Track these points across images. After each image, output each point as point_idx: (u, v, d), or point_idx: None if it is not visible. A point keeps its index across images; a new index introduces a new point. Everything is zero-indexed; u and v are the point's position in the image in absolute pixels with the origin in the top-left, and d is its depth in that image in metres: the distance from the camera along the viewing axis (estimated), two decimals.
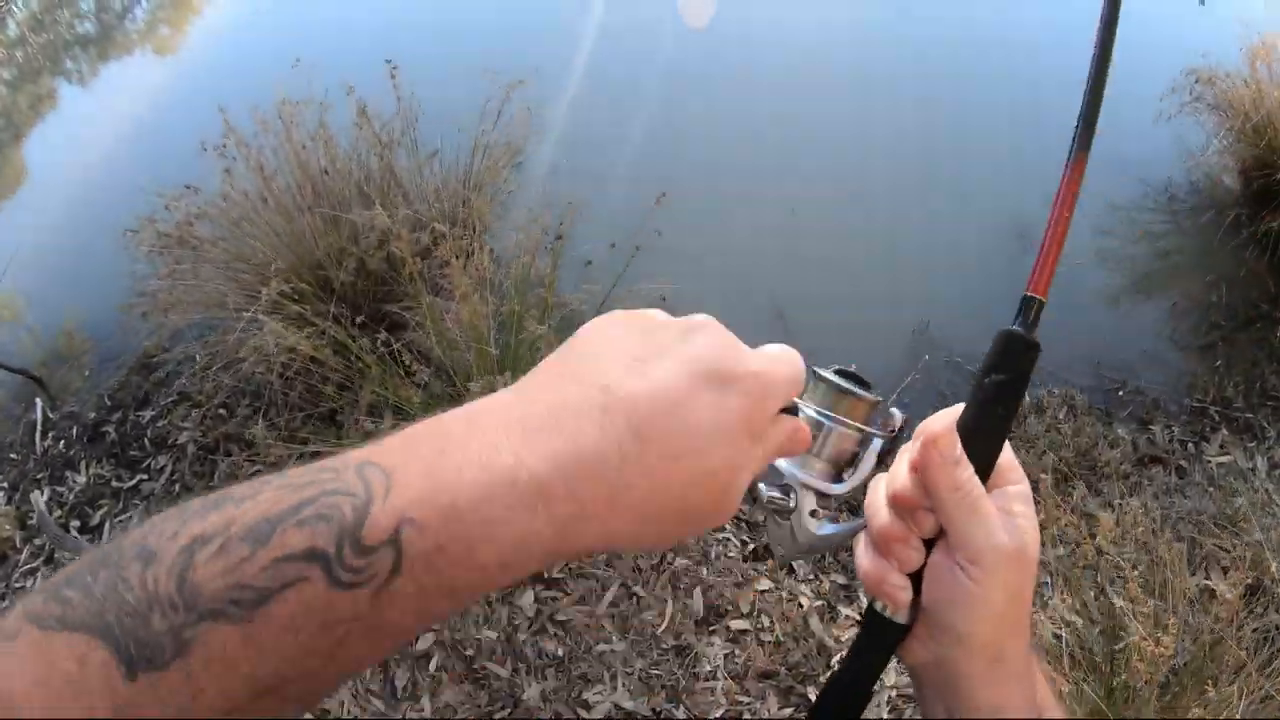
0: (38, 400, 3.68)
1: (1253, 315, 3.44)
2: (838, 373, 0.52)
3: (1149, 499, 2.57)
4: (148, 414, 3.29)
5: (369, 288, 2.24)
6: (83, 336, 4.07)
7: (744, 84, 4.66)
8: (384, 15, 5.92)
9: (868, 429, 0.52)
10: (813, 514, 0.51)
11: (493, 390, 0.42)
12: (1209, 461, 2.89)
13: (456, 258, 1.82)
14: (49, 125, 6.77)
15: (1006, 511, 0.48)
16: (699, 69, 4.81)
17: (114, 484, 3.21)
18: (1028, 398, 2.94)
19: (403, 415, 1.95)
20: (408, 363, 1.94)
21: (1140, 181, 3.97)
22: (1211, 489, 2.71)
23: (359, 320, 2.11)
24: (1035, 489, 2.32)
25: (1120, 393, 3.16)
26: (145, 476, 3.18)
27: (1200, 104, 3.90)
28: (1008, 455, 0.50)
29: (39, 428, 3.59)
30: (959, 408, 0.50)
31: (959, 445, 0.47)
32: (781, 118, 4.38)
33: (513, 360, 1.88)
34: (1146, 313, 3.62)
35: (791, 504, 0.51)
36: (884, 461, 0.52)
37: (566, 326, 2.13)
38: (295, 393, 2.32)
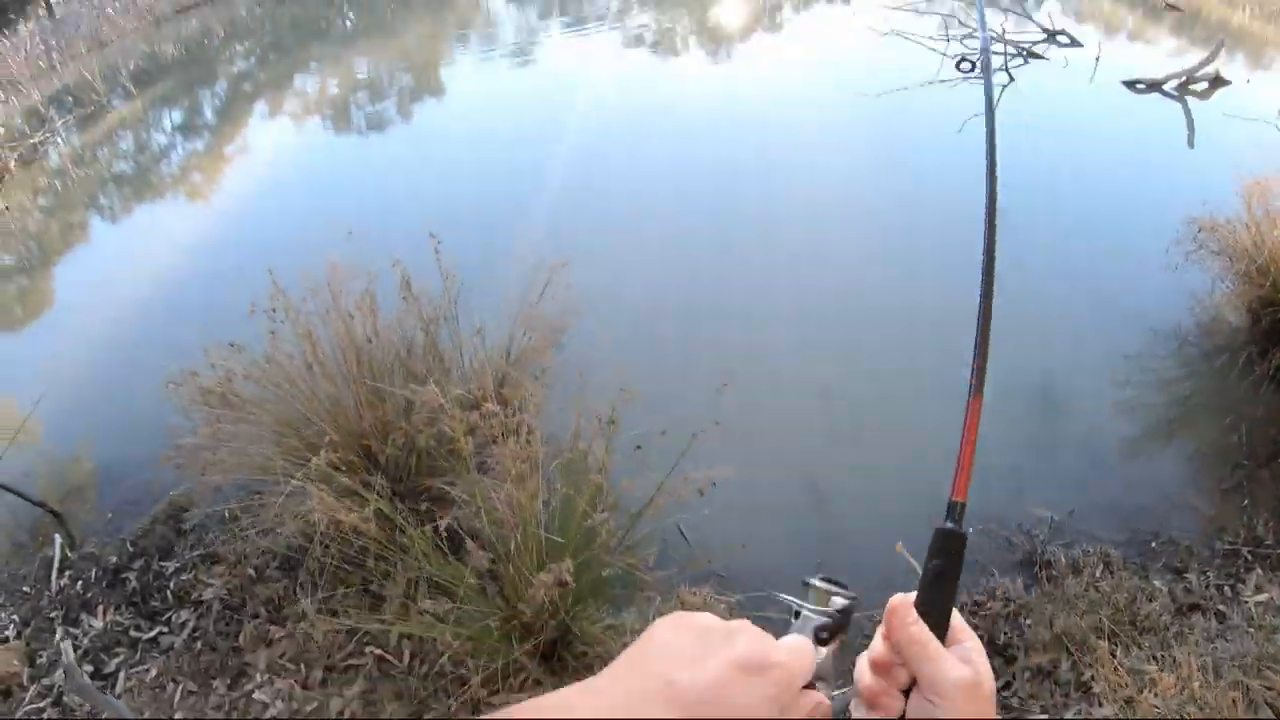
0: (56, 537, 3.65)
1: (1275, 451, 3.44)
2: (823, 579, 0.66)
3: (1192, 647, 2.51)
4: (172, 565, 3.25)
5: (414, 461, 2.27)
6: (107, 477, 4.08)
7: (775, 262, 4.80)
8: (427, 186, 6.26)
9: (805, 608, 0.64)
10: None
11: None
12: (1246, 602, 2.84)
13: (504, 436, 1.85)
14: (81, 256, 6.98)
15: (964, 659, 0.60)
16: (731, 254, 4.92)
17: (132, 633, 3.15)
18: (1063, 558, 2.93)
19: (443, 591, 1.94)
20: (453, 541, 1.94)
21: (1151, 330, 4.05)
22: (1252, 629, 2.66)
23: (401, 490, 2.12)
24: (1085, 649, 2.27)
25: (1153, 544, 3.13)
26: (165, 629, 3.11)
27: (1204, 251, 4.03)
28: (958, 619, 0.63)
29: (56, 565, 3.55)
30: (913, 593, 0.63)
31: (914, 611, 0.61)
32: (815, 296, 4.51)
33: (571, 546, 1.88)
34: (1169, 460, 3.61)
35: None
36: (826, 638, 0.63)
37: (617, 510, 2.14)
38: (331, 559, 2.31)
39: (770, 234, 5.05)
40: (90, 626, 3.23)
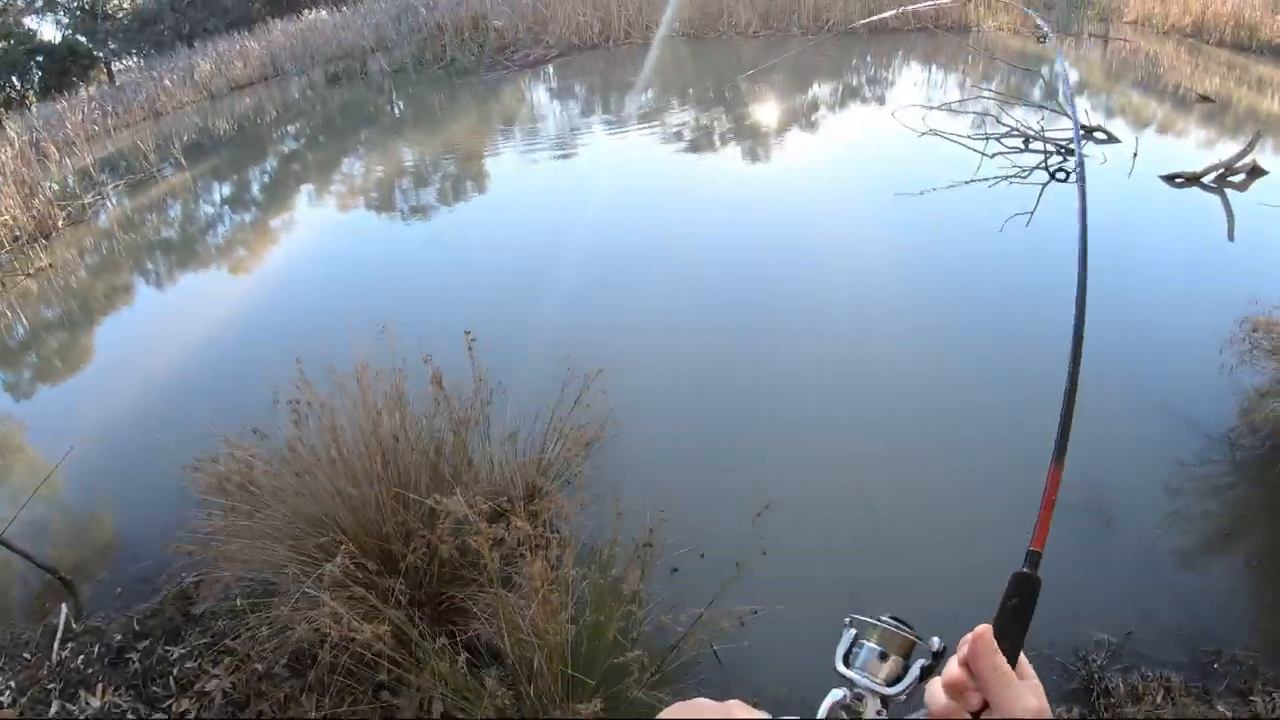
0: (63, 606, 3.57)
1: None
2: (893, 618, 0.76)
3: None
4: (177, 651, 3.13)
5: (436, 567, 2.16)
6: (121, 547, 4.01)
7: (817, 365, 4.68)
8: (464, 275, 6.35)
9: (915, 646, 0.75)
10: (877, 713, 0.73)
11: None
12: None
13: (532, 551, 1.74)
14: (119, 320, 7.07)
15: (1034, 692, 0.66)
16: (771, 357, 4.78)
17: (129, 716, 3.02)
18: (1121, 684, 2.73)
19: (460, 709, 1.81)
20: (472, 650, 1.81)
21: (1205, 435, 3.89)
22: None
23: (419, 597, 2.00)
24: None
25: (1215, 665, 2.92)
26: (164, 717, 2.99)
27: (1259, 351, 3.90)
28: (1023, 659, 0.69)
29: (59, 635, 3.46)
30: (981, 625, 0.68)
31: (994, 642, 0.66)
32: (858, 400, 4.33)
33: (602, 683, 1.74)
34: (1228, 572, 3.41)
35: (863, 710, 0.73)
36: (927, 675, 0.73)
37: (649, 643, 2.01)
38: (344, 663, 2.18)
39: (810, 336, 4.95)
40: (87, 704, 3.11)
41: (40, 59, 24.42)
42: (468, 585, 2.07)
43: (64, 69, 24.65)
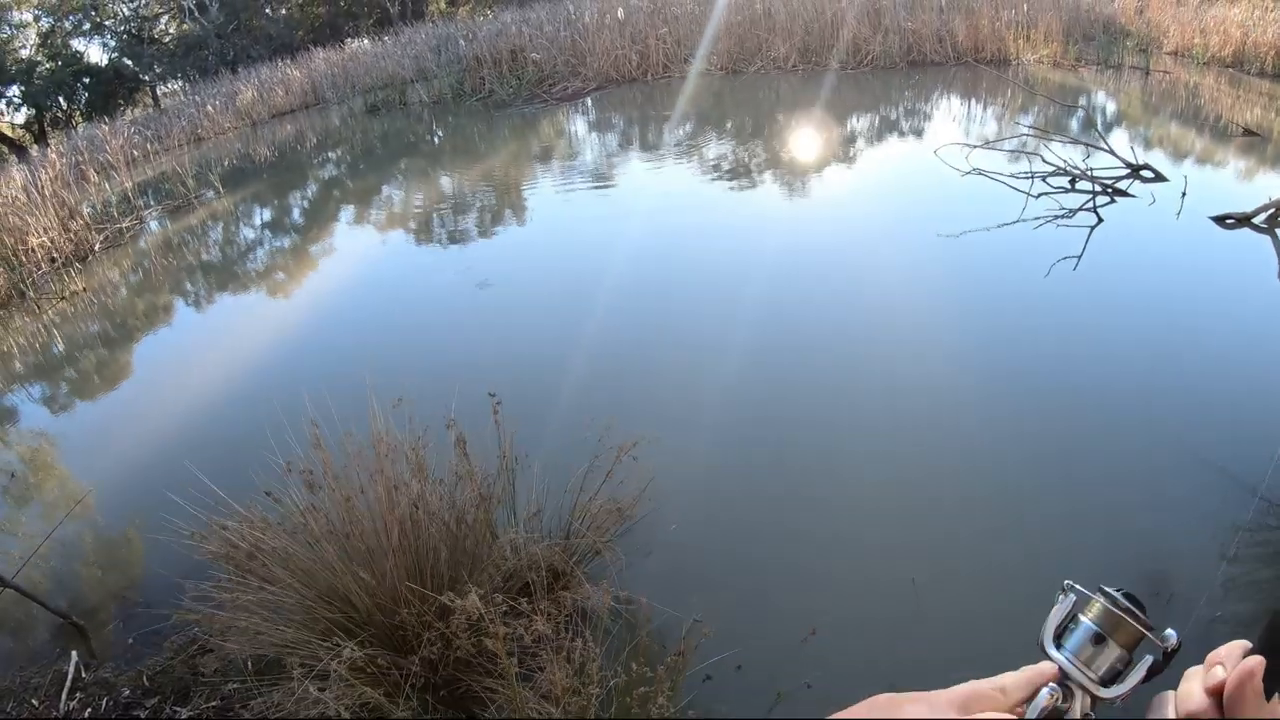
0: (74, 653, 3.50)
1: None
2: (1124, 594, 0.61)
3: None
4: (185, 712, 3.01)
5: (452, 656, 2.03)
6: (138, 593, 3.94)
7: (858, 426, 4.39)
8: (495, 318, 6.22)
9: (1144, 638, 0.60)
10: (1085, 717, 0.58)
11: None
12: None
13: (555, 652, 1.61)
14: (147, 347, 7.09)
15: None
16: (814, 420, 4.46)
17: None
18: None
19: None
20: None
21: (1263, 499, 3.66)
22: None
23: (436, 680, 1.87)
24: None
25: None
26: None
27: None
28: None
29: (68, 684, 3.39)
30: (1239, 644, 0.58)
31: (1262, 682, 0.52)
32: (905, 466, 4.04)
33: None
34: None
35: (1069, 709, 0.58)
36: (1151, 676, 0.59)
37: None
38: None
39: (851, 395, 4.69)
40: None
41: (87, 81, 25.10)
42: (487, 675, 1.93)
43: (110, 91, 25.33)
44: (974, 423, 4.34)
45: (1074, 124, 10.19)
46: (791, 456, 4.16)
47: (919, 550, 3.48)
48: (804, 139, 10.98)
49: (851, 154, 10.15)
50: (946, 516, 3.69)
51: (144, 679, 3.26)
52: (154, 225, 11.22)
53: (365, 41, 22.59)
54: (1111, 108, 11.59)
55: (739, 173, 9.55)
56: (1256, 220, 6.58)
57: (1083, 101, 11.72)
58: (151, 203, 12.07)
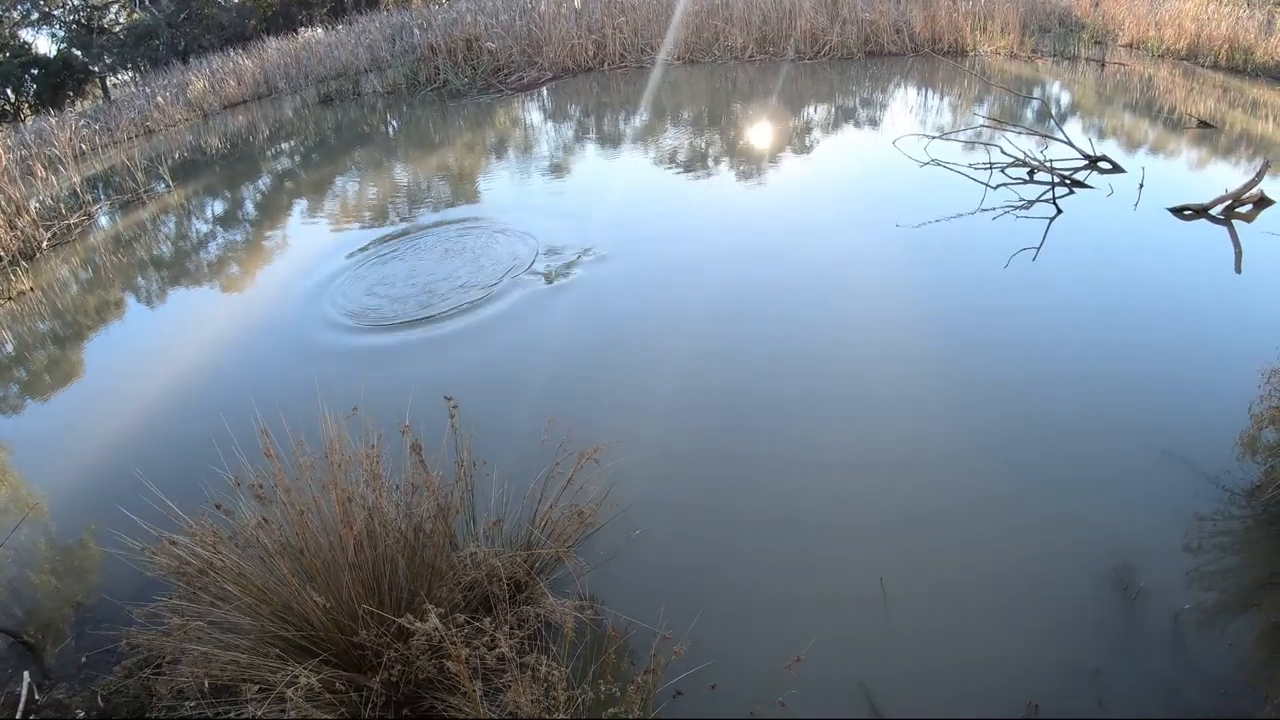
0: (26, 674, 3.37)
1: None
2: None
3: None
4: None
5: (415, 674, 1.96)
6: (90, 606, 3.80)
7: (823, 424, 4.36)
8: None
9: None
10: None
11: None
12: None
13: (521, 670, 1.56)
14: (95, 349, 6.87)
15: None
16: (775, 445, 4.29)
17: None
18: None
19: None
20: None
21: (1224, 489, 3.72)
22: None
23: (398, 698, 1.81)
24: None
25: None
26: None
27: None
28: None
29: (22, 707, 3.26)
30: None
31: None
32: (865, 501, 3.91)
33: None
34: (1257, 640, 3.23)
35: None
36: None
37: None
38: None
39: (808, 386, 4.69)
40: None
41: (35, 72, 24.28)
42: (450, 692, 1.87)
43: (59, 83, 24.52)
44: (934, 419, 4.36)
45: (1031, 115, 10.31)
46: (751, 451, 4.14)
47: (887, 548, 3.48)
48: (761, 130, 10.95)
49: (808, 144, 10.15)
50: (908, 511, 3.70)
51: (98, 699, 3.15)
52: (103, 221, 10.89)
53: (319, 31, 22.11)
54: (1068, 99, 11.75)
55: (694, 165, 9.49)
56: (1213, 211, 6.71)
57: (1040, 93, 11.87)
58: (101, 197, 11.72)
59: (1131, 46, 14.22)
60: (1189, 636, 3.06)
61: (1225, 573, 3.37)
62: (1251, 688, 2.92)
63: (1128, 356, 4.77)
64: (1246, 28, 12.55)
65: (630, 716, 1.64)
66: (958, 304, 5.60)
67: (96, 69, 25.63)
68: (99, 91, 25.76)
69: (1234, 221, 6.59)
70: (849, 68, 14.13)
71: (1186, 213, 6.75)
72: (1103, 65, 13.14)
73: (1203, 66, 12.68)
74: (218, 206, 11.24)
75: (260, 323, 6.71)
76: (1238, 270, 5.86)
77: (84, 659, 3.41)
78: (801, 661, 2.15)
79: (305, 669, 1.72)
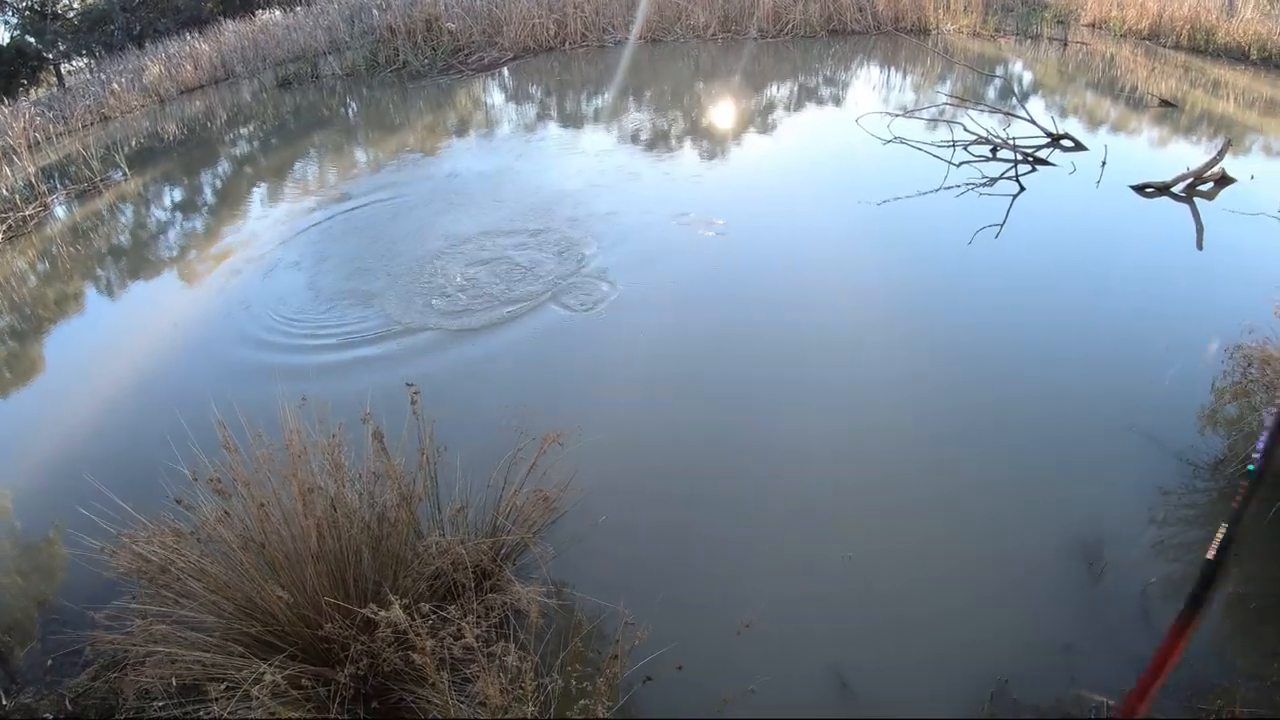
0: None
1: None
2: None
3: None
4: None
5: (382, 667, 1.94)
6: (55, 608, 3.71)
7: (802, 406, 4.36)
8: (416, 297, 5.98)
9: None
10: None
11: None
12: None
13: (488, 659, 1.54)
14: (53, 342, 6.71)
15: None
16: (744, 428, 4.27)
17: None
18: None
19: None
20: None
21: (1188, 464, 3.79)
22: None
23: (366, 690, 1.79)
24: None
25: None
26: None
27: (1255, 385, 3.81)
28: None
29: None
30: None
31: None
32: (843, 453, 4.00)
33: None
34: (1221, 612, 3.29)
35: None
36: None
37: None
38: None
39: (774, 366, 4.69)
40: None
41: None
42: (418, 684, 1.86)
43: (12, 71, 23.77)
44: (896, 398, 4.38)
45: (994, 94, 10.38)
46: (716, 432, 4.14)
47: (851, 524, 3.51)
48: (723, 109, 10.92)
49: (771, 122, 10.13)
50: (875, 492, 3.73)
51: (66, 703, 3.09)
52: (60, 211, 10.61)
53: (276, 12, 21.62)
54: (1030, 78, 11.84)
55: (656, 143, 9.43)
56: (1175, 189, 6.81)
57: (1002, 71, 11.95)
58: (57, 187, 11.42)
59: (1094, 26, 14.34)
60: (1156, 608, 3.12)
61: (1191, 545, 3.43)
62: (1219, 656, 2.99)
63: (1091, 333, 4.83)
64: (1208, 8, 12.71)
65: (596, 717, 1.64)
66: (920, 282, 5.63)
67: (51, 56, 24.89)
68: (53, 79, 25.03)
69: (1196, 199, 6.69)
70: (812, 46, 14.12)
71: (1149, 190, 6.84)
72: (1065, 44, 13.25)
73: (1165, 46, 12.83)
74: (176, 194, 11.00)
75: (218, 313, 6.57)
76: (1199, 247, 5.95)
77: (50, 662, 3.34)
78: (750, 629, 2.15)
79: (271, 666, 1.69)
